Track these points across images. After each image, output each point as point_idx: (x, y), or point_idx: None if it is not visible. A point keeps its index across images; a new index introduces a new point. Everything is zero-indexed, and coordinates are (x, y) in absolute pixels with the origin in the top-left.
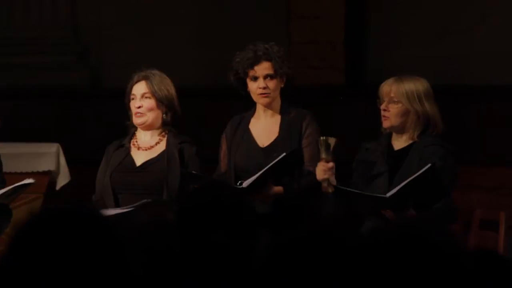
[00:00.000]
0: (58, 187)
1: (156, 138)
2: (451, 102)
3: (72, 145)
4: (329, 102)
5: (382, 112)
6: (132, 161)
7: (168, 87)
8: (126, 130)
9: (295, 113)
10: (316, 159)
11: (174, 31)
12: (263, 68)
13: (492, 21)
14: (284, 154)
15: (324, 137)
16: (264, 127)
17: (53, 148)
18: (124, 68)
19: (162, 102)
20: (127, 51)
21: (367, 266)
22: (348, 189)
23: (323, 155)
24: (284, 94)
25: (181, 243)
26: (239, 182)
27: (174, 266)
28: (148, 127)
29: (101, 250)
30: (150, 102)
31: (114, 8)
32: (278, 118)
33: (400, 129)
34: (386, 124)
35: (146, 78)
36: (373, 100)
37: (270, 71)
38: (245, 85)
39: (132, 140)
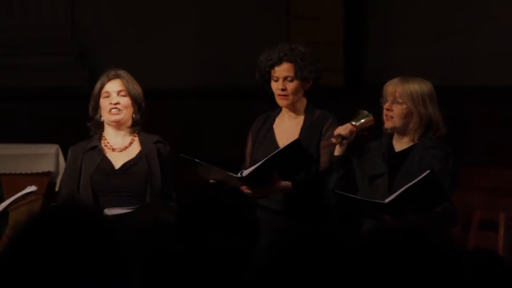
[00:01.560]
0: (57, 188)
1: (128, 139)
2: (451, 102)
3: (71, 146)
4: (328, 103)
5: (385, 112)
6: (109, 163)
7: (137, 86)
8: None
9: (318, 115)
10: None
11: (174, 31)
12: (283, 69)
13: (492, 21)
14: (286, 144)
15: (366, 112)
16: (287, 128)
17: (52, 149)
18: (123, 69)
19: (135, 100)
20: (126, 51)
21: (366, 266)
22: (346, 194)
23: (354, 121)
24: (310, 95)
25: (180, 244)
26: (240, 171)
27: (173, 267)
28: (120, 125)
29: (101, 252)
30: (126, 100)
31: (113, 8)
32: (301, 119)
33: (402, 131)
34: (388, 124)
35: (119, 77)
36: (372, 101)
37: (290, 73)
38: (270, 84)
39: (102, 141)
